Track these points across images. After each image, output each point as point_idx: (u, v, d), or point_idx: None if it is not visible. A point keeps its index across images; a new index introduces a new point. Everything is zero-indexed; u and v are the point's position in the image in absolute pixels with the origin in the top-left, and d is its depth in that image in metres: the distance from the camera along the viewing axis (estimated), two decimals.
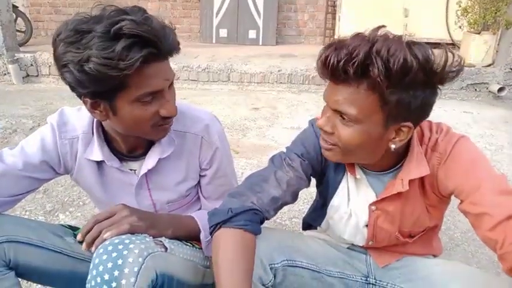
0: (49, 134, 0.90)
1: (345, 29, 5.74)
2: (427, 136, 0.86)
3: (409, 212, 0.91)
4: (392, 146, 0.80)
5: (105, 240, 0.76)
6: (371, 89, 0.71)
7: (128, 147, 0.91)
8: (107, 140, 0.91)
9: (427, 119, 0.82)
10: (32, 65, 4.09)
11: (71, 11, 6.45)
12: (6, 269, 0.81)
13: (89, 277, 0.74)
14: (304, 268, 0.93)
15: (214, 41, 5.99)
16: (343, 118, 0.76)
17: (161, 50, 0.75)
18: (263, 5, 5.78)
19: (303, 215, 1.17)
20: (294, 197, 0.94)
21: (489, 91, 3.76)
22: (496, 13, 3.59)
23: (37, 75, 4.14)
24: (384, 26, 0.77)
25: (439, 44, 5.63)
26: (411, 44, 0.72)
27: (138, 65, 0.71)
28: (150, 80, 0.76)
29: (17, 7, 4.93)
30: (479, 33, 3.78)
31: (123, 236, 0.77)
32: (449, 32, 5.26)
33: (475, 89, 3.82)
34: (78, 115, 0.91)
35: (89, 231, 0.79)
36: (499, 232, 0.73)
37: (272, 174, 0.89)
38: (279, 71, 4.01)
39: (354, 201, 0.95)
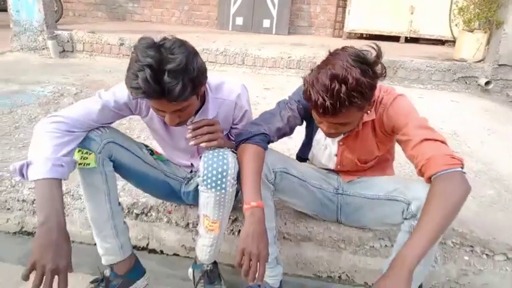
0: None
1: (353, 22, 6.10)
2: (377, 95, 1.26)
3: (364, 146, 1.34)
4: (365, 116, 1.24)
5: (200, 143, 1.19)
6: (351, 109, 1.08)
7: None
8: None
9: (380, 84, 1.24)
10: (68, 41, 4.56)
11: None
12: (109, 159, 1.24)
13: (204, 172, 1.16)
14: (295, 177, 1.38)
15: (230, 29, 6.40)
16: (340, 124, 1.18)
17: (157, 98, 1.04)
18: None
19: None
20: (292, 130, 1.37)
21: (478, 84, 4.13)
22: (488, 13, 3.96)
23: (72, 51, 4.61)
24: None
25: (440, 40, 5.99)
26: (358, 62, 1.06)
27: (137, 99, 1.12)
28: (154, 104, 1.10)
29: None
30: (472, 32, 4.16)
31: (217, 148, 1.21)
32: (451, 30, 5.61)
33: (466, 82, 4.20)
34: None
35: (198, 128, 1.19)
36: (416, 150, 1.15)
37: (278, 113, 1.33)
38: (289, 57, 4.41)
39: (329, 138, 1.39)
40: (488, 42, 4.15)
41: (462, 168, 1.10)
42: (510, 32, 3.92)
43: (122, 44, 4.53)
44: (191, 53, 1.07)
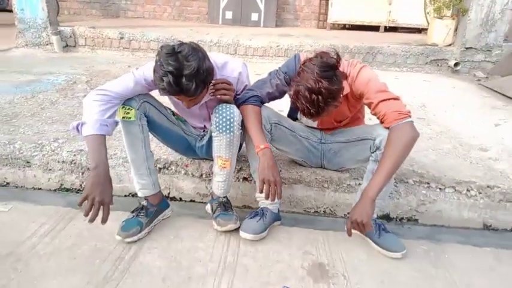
0: None
1: (336, 14, 6.52)
2: (346, 70, 1.59)
3: (338, 110, 1.66)
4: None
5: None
6: (329, 108, 1.44)
7: None
8: None
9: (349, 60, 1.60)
10: (70, 36, 4.87)
11: None
12: (144, 115, 1.59)
13: (216, 120, 1.52)
14: (286, 128, 1.76)
15: (220, 22, 6.75)
16: None
17: (177, 95, 1.40)
18: None
19: None
20: (281, 95, 1.72)
21: (448, 66, 4.58)
22: (454, 2, 4.40)
23: (75, 46, 4.92)
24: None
25: (417, 29, 6.44)
26: (325, 72, 1.38)
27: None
28: (175, 97, 1.46)
29: None
30: (442, 19, 4.60)
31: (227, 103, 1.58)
32: (426, 19, 6.05)
33: (437, 64, 4.64)
34: None
35: (217, 84, 1.53)
36: (375, 110, 1.52)
37: (268, 80, 1.69)
38: (277, 46, 4.80)
39: None
40: (456, 28, 4.60)
41: (410, 117, 1.47)
42: (474, 19, 4.38)
43: (121, 38, 4.86)
44: (201, 59, 1.36)
